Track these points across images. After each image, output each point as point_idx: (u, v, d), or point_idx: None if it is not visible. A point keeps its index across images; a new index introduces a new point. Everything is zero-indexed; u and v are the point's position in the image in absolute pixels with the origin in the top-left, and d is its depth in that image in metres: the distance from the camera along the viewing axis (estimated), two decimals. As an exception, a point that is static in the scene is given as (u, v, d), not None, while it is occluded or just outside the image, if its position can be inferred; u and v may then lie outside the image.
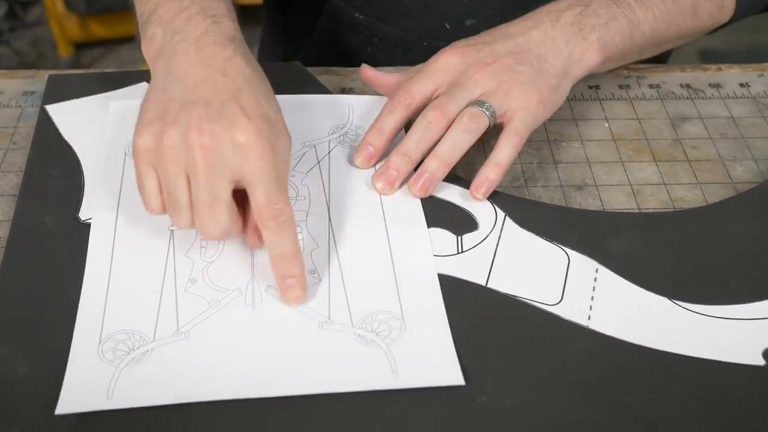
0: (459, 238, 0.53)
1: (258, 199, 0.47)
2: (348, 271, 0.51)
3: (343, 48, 0.73)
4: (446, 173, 0.55)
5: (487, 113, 0.55)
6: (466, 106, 0.56)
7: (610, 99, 0.67)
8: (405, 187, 0.56)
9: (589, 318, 0.48)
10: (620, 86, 0.68)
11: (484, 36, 0.59)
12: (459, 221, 0.54)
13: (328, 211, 0.54)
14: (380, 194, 0.56)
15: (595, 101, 0.67)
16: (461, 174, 0.59)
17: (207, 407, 0.44)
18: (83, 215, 0.53)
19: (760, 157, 0.62)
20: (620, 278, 0.51)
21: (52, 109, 0.61)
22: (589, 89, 0.68)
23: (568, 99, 0.66)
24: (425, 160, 0.55)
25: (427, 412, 0.44)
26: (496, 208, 0.55)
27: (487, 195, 0.55)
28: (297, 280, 0.48)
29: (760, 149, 0.63)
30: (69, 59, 2.04)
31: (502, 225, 0.54)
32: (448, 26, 0.72)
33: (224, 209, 0.47)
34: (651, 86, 0.69)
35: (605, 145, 0.63)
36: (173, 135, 0.46)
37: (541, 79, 0.57)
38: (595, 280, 0.51)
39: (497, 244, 0.53)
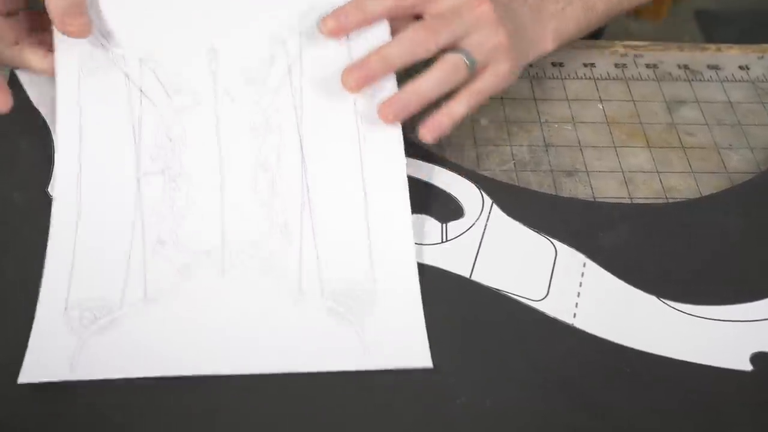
0: (444, 225, 0.51)
1: None
2: (321, 235, 0.48)
3: None
4: (417, 110, 0.52)
5: (468, 68, 0.52)
6: (453, 42, 0.52)
7: (605, 78, 0.65)
8: (386, 149, 0.52)
9: (574, 315, 0.47)
10: (616, 65, 0.66)
11: None
12: (445, 207, 0.53)
13: (302, 151, 0.51)
14: (355, 107, 0.52)
15: (590, 80, 0.65)
16: (450, 157, 0.57)
17: (172, 382, 0.43)
18: (53, 190, 0.51)
19: (756, 145, 0.60)
20: (608, 273, 0.49)
21: (22, 74, 0.58)
22: (584, 67, 0.66)
23: (562, 78, 0.65)
24: (402, 90, 0.52)
25: (404, 413, 0.43)
26: (484, 194, 0.53)
27: (435, 140, 0.52)
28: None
29: (756, 137, 0.61)
30: None
31: (489, 213, 0.52)
32: None
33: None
34: (648, 66, 0.66)
35: (598, 128, 0.61)
36: None
37: (516, 51, 0.55)
38: (582, 275, 0.49)
39: (483, 233, 0.51)
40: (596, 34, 0.80)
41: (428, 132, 0.52)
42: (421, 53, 0.52)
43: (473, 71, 0.53)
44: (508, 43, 0.53)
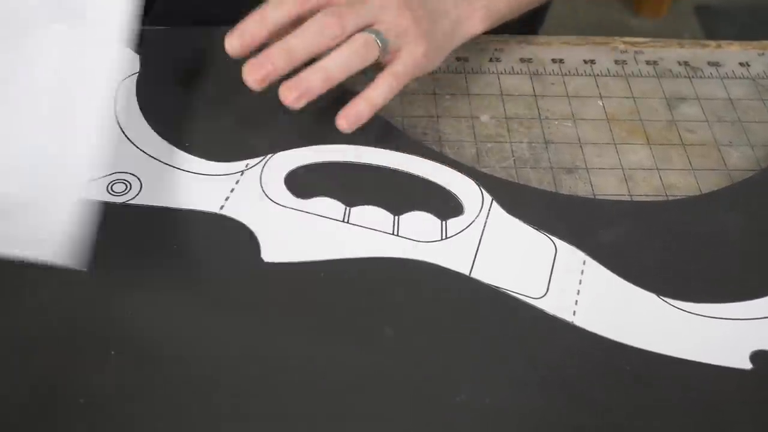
0: (443, 223, 0.51)
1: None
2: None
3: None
4: (323, 90, 0.50)
5: (380, 46, 0.51)
6: (361, 28, 0.51)
7: (605, 75, 0.65)
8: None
9: (574, 314, 0.47)
10: (616, 61, 0.66)
11: None
12: (444, 204, 0.52)
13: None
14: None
15: (590, 77, 0.65)
16: (450, 153, 0.57)
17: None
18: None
19: (756, 142, 0.60)
20: (608, 271, 0.49)
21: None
22: (584, 64, 0.65)
23: (562, 74, 0.64)
24: (306, 69, 0.50)
25: (403, 410, 0.43)
26: (483, 191, 0.53)
27: (352, 129, 0.52)
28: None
29: (756, 134, 0.61)
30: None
31: (489, 210, 0.52)
32: None
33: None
34: (648, 62, 0.66)
35: (598, 125, 0.61)
36: None
37: (433, 34, 0.54)
38: (582, 272, 0.49)
39: (483, 230, 0.51)
40: (536, 25, 0.79)
41: (345, 121, 0.51)
42: (327, 42, 0.50)
43: (387, 52, 0.52)
44: (416, 25, 0.52)
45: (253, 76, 0.49)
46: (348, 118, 0.51)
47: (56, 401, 0.42)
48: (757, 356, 0.46)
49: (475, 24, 0.57)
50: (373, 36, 0.51)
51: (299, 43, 0.50)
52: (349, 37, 0.51)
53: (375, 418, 0.42)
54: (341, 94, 0.54)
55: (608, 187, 0.56)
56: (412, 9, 0.53)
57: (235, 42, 0.51)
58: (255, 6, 0.53)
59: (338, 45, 0.51)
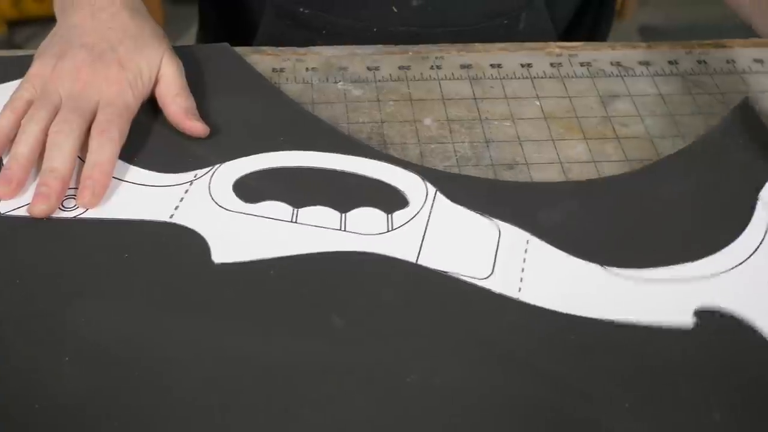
0: (389, 216, 0.53)
1: (99, 117, 0.56)
2: None
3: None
4: None
5: None
6: None
7: (542, 77, 0.67)
8: None
9: (519, 290, 0.48)
10: (552, 64, 0.69)
11: None
12: (389, 199, 0.54)
13: None
14: None
15: (527, 79, 0.67)
16: (394, 155, 0.58)
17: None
18: (2, 208, 0.51)
19: (687, 133, 0.63)
20: (552, 248, 0.51)
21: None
22: (521, 68, 0.68)
23: (500, 78, 0.67)
24: None
25: (354, 392, 0.43)
26: (427, 183, 0.55)
27: None
28: (95, 184, 0.53)
29: (687, 126, 0.63)
30: (2, 37, 1.98)
31: (433, 200, 0.54)
32: (395, 9, 0.72)
33: (75, 140, 0.54)
34: (582, 64, 0.69)
35: (536, 124, 0.63)
36: (61, 65, 0.57)
37: None
38: (526, 251, 0.51)
39: (428, 220, 0.52)
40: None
41: None
42: None
43: None
44: None
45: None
46: None
47: (11, 407, 0.42)
48: (699, 314, 0.47)
49: None
50: None
51: None
52: None
53: (330, 403, 0.43)
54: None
55: (548, 179, 0.58)
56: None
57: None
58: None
59: None
